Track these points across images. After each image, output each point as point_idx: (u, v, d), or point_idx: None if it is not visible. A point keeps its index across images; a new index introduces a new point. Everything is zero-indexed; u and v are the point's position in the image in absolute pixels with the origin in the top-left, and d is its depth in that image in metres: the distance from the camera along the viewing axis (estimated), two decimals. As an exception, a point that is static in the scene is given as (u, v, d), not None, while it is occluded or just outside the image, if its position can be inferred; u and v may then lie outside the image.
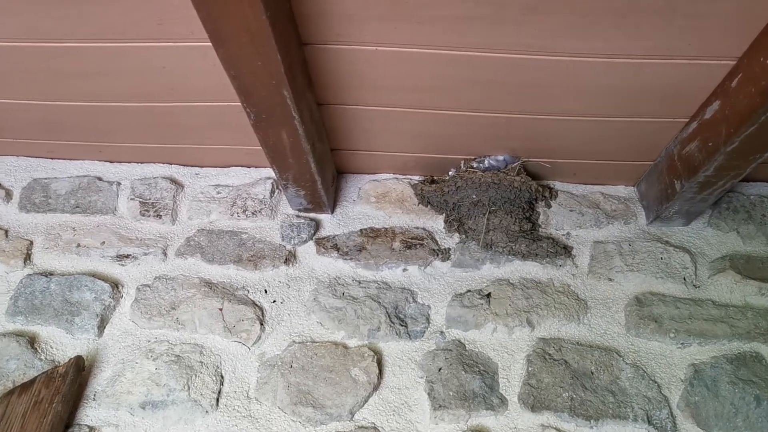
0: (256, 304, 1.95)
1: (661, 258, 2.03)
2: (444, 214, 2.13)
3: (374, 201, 2.17)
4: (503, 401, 1.79)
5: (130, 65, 1.68)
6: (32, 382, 1.76)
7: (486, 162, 2.06)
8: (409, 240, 2.08)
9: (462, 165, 2.08)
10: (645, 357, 1.86)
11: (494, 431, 1.76)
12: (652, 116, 1.81)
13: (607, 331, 1.91)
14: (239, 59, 1.33)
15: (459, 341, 1.90)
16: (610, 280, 2.00)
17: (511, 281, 2.00)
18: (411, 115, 1.85)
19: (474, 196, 2.06)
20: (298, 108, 1.54)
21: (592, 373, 1.83)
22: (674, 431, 1.75)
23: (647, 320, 1.91)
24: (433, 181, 2.16)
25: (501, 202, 2.06)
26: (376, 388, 1.82)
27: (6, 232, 2.05)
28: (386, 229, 2.11)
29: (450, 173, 2.10)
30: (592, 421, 1.75)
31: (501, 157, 2.06)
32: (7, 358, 1.82)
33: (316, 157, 1.83)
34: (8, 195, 2.12)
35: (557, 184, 2.19)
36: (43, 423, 1.68)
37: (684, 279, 1.99)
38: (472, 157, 2.07)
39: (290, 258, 2.04)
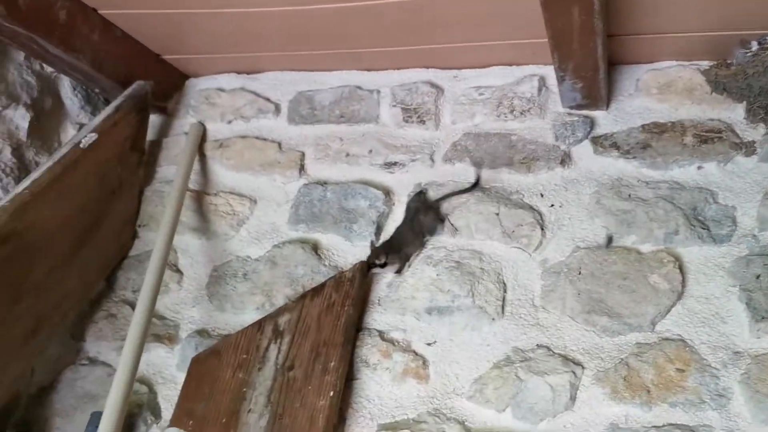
0: (534, 209, 1.83)
1: None
2: (745, 102, 1.83)
3: (656, 92, 1.92)
4: (844, 314, 1.52)
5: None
6: (322, 286, 1.80)
7: (805, 34, 1.71)
8: (703, 134, 1.82)
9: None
10: None
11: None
12: None
13: None
14: None
15: (777, 245, 1.64)
16: None
17: (839, 175, 1.67)
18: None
19: (788, 77, 1.73)
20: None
21: None
22: None
23: None
24: (729, 65, 1.85)
25: (824, 82, 1.71)
26: (679, 296, 1.63)
27: (279, 144, 2.10)
28: (673, 123, 1.86)
29: (752, 47, 1.77)
30: None
31: (825, 27, 1.69)
32: (295, 264, 1.88)
33: (604, 38, 1.63)
34: (277, 109, 2.16)
35: None
36: (337, 325, 1.72)
37: None
38: (783, 30, 1.73)
39: (565, 159, 1.87)
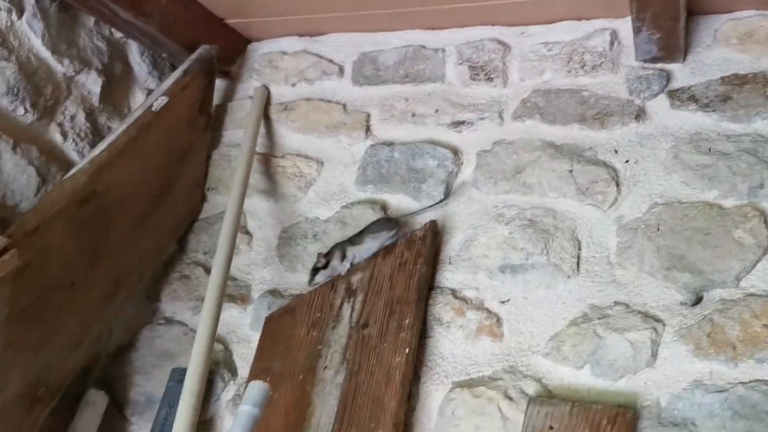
0: (608, 165, 1.78)
1: None
2: (833, 50, 1.75)
3: (736, 43, 1.84)
4: None
5: None
6: (393, 245, 1.79)
7: None
8: (788, 84, 1.74)
9: None
10: None
11: None
12: None
13: None
14: None
15: None
16: None
17: None
18: None
19: None
20: None
21: None
22: None
23: None
24: (815, 11, 1.77)
25: None
26: (765, 251, 1.58)
27: (344, 106, 2.10)
28: (755, 74, 1.78)
29: None
30: None
31: None
32: (364, 224, 1.87)
33: (687, -15, 1.57)
34: (341, 71, 2.16)
35: None
36: (410, 283, 1.72)
37: None
38: None
39: (640, 114, 1.82)
